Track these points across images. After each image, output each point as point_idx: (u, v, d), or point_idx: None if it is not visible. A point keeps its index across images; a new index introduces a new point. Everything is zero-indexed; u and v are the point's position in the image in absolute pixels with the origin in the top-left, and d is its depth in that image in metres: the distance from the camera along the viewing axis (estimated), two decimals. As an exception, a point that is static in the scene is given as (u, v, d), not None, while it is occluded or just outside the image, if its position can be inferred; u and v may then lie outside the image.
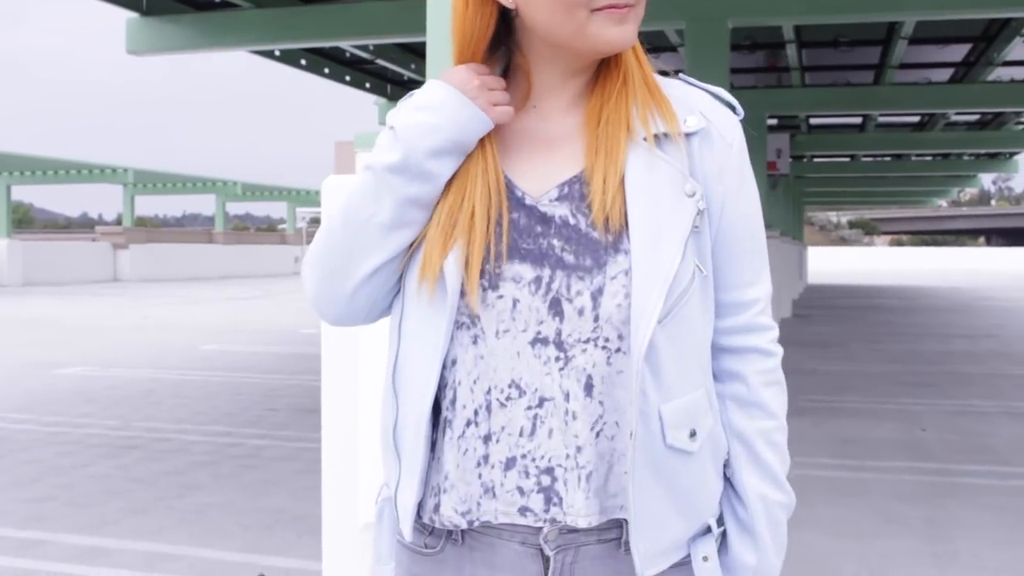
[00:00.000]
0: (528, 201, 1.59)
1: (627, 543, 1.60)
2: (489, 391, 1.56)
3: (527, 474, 1.56)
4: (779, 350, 1.69)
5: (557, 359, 1.55)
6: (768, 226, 14.95)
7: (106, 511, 6.27)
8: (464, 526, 1.59)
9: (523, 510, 1.57)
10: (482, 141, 1.59)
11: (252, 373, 12.52)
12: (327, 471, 3.14)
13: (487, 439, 1.57)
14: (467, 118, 1.56)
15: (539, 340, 1.55)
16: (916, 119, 22.23)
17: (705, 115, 1.61)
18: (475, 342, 1.57)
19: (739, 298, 1.65)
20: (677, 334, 1.55)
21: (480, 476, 1.58)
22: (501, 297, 1.56)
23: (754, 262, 1.66)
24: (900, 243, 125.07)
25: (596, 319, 1.54)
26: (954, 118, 21.92)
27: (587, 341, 1.54)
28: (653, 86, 1.62)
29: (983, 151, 27.63)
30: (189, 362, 13.53)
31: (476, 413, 1.57)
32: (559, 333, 1.55)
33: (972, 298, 30.24)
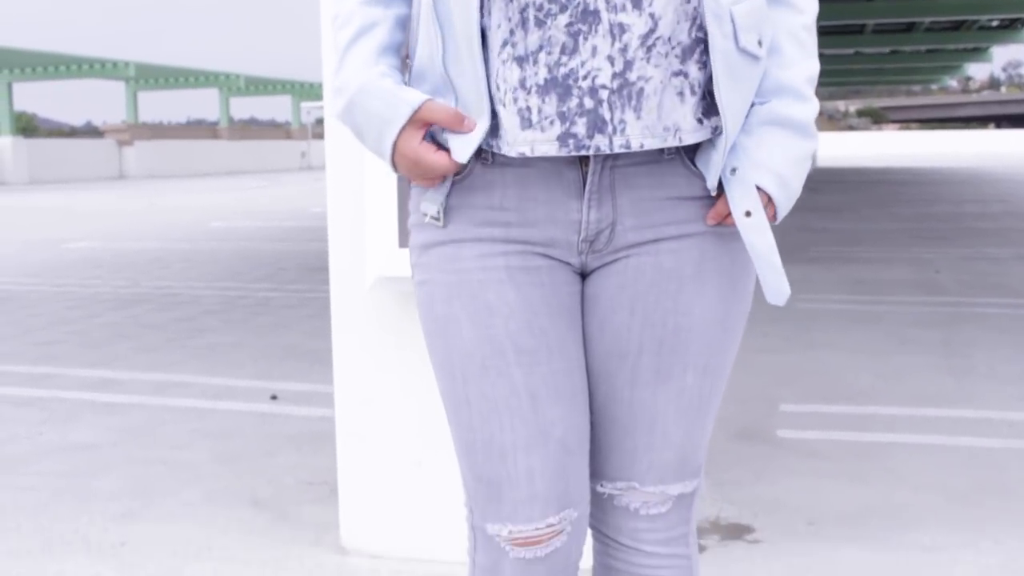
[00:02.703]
0: None
1: (673, 151, 1.52)
2: (526, 7, 1.42)
3: (569, 95, 1.43)
4: None
5: None
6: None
7: (117, 350, 6.25)
8: (495, 152, 1.50)
9: (564, 137, 1.44)
10: None
11: (261, 242, 12.46)
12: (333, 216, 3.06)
13: (522, 61, 1.44)
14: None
15: None
16: (927, -14, 21.78)
17: None
18: None
19: None
20: None
21: (516, 102, 1.45)
22: None
23: None
24: (909, 130, 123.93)
25: None
26: (966, -16, 21.48)
27: None
28: None
29: (995, 17, 27.12)
30: (197, 235, 13.47)
31: (512, 33, 1.44)
32: None
33: (984, 172, 29.99)
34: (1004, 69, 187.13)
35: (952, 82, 59.05)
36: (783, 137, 1.52)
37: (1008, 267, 9.20)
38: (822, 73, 38.67)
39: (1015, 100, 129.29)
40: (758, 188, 1.50)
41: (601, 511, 1.67)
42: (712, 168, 1.50)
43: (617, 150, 1.45)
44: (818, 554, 3.17)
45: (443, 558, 3.01)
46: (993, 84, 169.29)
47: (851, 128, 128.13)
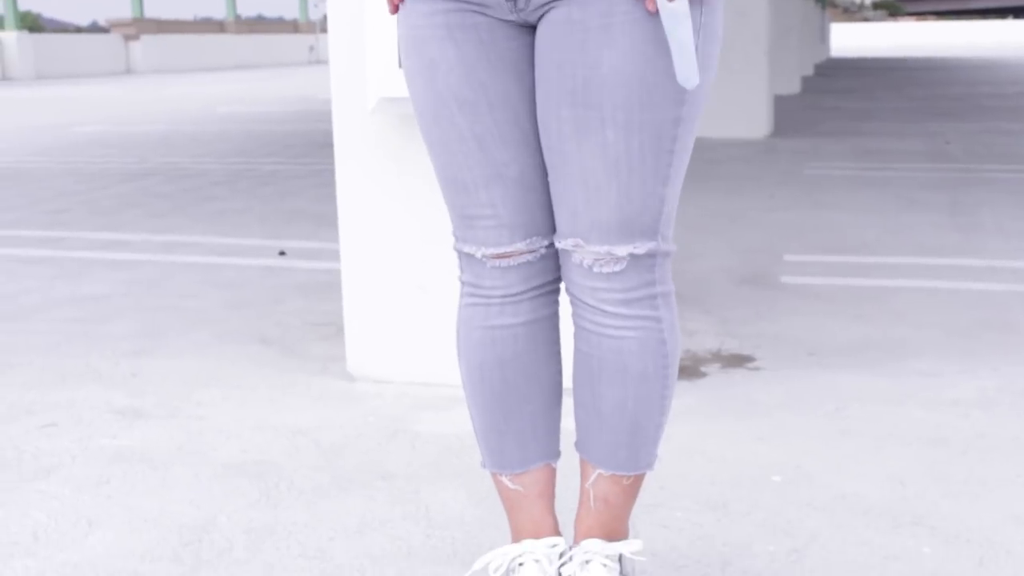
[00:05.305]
0: None
1: None
2: None
3: None
4: None
5: None
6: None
7: (125, 217, 6.28)
8: None
9: None
10: None
11: (269, 124, 12.42)
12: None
13: None
14: None
15: None
16: None
17: None
18: None
19: None
20: None
21: None
22: None
23: None
24: (925, 21, 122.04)
25: None
26: None
27: None
28: None
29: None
30: (206, 119, 13.41)
31: None
32: None
33: (1000, 60, 29.59)
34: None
35: (970, -29, 57.97)
36: None
37: (1018, 138, 9.15)
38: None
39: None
40: None
41: (566, 269, 1.71)
42: None
43: None
44: (817, 379, 3.21)
45: (447, 381, 3.04)
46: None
47: (866, 20, 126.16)
